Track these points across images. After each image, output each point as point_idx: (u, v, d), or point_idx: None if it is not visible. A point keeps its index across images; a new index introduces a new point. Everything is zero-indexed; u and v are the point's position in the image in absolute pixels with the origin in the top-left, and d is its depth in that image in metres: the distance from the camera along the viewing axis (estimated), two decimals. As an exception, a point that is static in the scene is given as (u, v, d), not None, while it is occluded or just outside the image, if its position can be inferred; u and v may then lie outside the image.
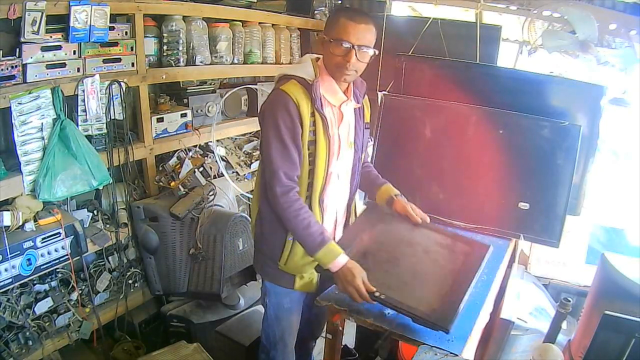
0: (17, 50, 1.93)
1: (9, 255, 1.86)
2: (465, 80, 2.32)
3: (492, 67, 2.62)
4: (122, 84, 2.30)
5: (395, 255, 1.69)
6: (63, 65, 2.09)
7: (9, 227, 1.90)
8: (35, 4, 1.87)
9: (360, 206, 2.53)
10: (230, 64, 2.92)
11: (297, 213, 1.60)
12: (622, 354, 1.24)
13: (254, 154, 3.17)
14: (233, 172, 3.03)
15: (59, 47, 2.06)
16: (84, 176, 2.11)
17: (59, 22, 2.05)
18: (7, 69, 1.89)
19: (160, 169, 2.59)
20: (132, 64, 2.37)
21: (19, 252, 1.90)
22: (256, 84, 3.18)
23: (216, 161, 2.81)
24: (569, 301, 1.55)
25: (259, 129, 1.74)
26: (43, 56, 2.01)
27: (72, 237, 2.10)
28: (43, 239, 1.99)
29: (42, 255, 2.00)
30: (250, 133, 3.28)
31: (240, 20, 2.95)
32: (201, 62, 2.71)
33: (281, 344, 1.92)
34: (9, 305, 2.02)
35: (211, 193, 2.56)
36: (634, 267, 1.48)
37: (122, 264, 2.50)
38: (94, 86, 2.19)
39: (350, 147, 1.79)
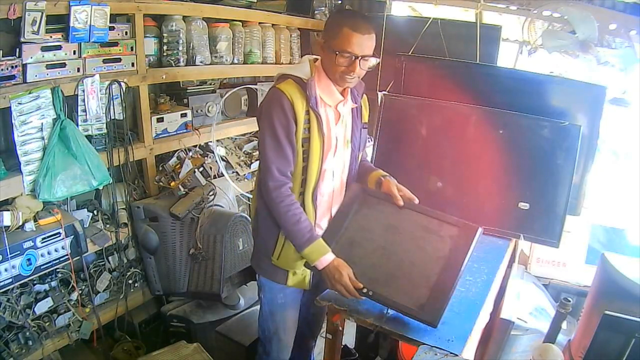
0: (17, 50, 1.93)
1: (9, 255, 1.86)
2: (465, 80, 2.32)
3: (492, 67, 2.62)
4: (122, 84, 2.30)
5: (381, 244, 1.66)
6: (63, 65, 2.09)
7: (9, 227, 1.90)
8: (35, 4, 1.87)
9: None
10: (230, 64, 2.92)
11: (288, 208, 1.64)
12: (622, 354, 1.24)
13: (254, 154, 3.17)
14: (233, 172, 3.03)
15: (59, 47, 2.06)
16: (84, 176, 2.11)
17: (59, 22, 2.05)
18: (7, 69, 1.89)
19: (160, 169, 2.59)
20: (132, 64, 2.37)
21: (19, 252, 1.90)
22: (256, 84, 3.18)
23: (216, 161, 2.80)
24: (569, 301, 1.55)
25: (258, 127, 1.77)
26: (43, 56, 2.01)
27: (72, 237, 2.10)
28: (43, 239, 1.99)
29: (42, 255, 2.00)
30: (250, 133, 3.28)
31: (240, 20, 2.95)
32: (201, 62, 2.71)
33: (276, 338, 1.95)
34: (9, 305, 2.02)
35: (211, 193, 2.56)
36: (634, 267, 1.48)
37: (122, 264, 2.50)
38: (94, 86, 2.19)
39: (346, 146, 1.81)
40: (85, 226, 2.21)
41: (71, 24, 2.04)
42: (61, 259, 2.08)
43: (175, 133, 2.67)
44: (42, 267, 2.02)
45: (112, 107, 2.30)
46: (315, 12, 3.54)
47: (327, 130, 1.70)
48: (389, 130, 2.37)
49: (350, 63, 1.61)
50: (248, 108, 3.20)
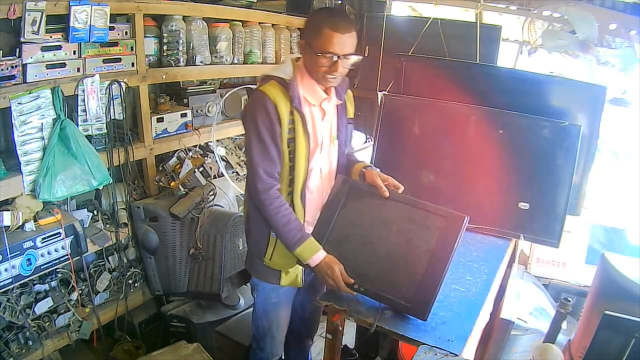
0: (17, 50, 1.93)
1: (9, 255, 1.87)
2: (465, 80, 2.32)
3: (492, 67, 2.62)
4: (122, 84, 2.30)
5: (370, 239, 1.67)
6: (63, 65, 2.09)
7: (9, 227, 1.90)
8: (35, 4, 1.87)
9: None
10: (230, 64, 2.92)
11: (278, 210, 1.67)
12: (622, 354, 1.24)
13: (254, 154, 3.17)
14: (233, 172, 3.03)
15: (59, 47, 2.06)
16: (84, 176, 2.11)
17: (59, 22, 2.05)
18: (7, 69, 1.89)
19: (160, 169, 2.59)
20: (132, 64, 2.37)
21: (19, 252, 1.91)
22: (256, 84, 3.18)
23: (216, 161, 2.80)
24: (569, 301, 1.55)
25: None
26: (43, 56, 2.01)
27: (72, 237, 2.10)
28: (43, 239, 1.99)
29: (42, 255, 2.00)
30: (250, 133, 3.27)
31: (240, 20, 2.95)
32: (201, 62, 2.71)
33: (269, 335, 1.97)
34: (9, 305, 2.02)
35: (211, 193, 2.56)
36: (634, 267, 1.48)
37: (122, 264, 2.50)
38: (94, 86, 2.19)
39: (333, 143, 1.82)
40: (85, 226, 2.22)
41: (71, 24, 2.04)
42: (61, 259, 2.08)
43: (175, 133, 2.67)
44: (42, 267, 2.02)
45: (112, 107, 2.31)
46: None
47: (312, 129, 1.71)
48: (389, 130, 2.37)
49: (332, 63, 1.61)
50: (248, 108, 3.20)
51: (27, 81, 1.97)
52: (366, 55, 3.49)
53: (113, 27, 2.25)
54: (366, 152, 3.12)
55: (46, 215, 2.04)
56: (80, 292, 2.30)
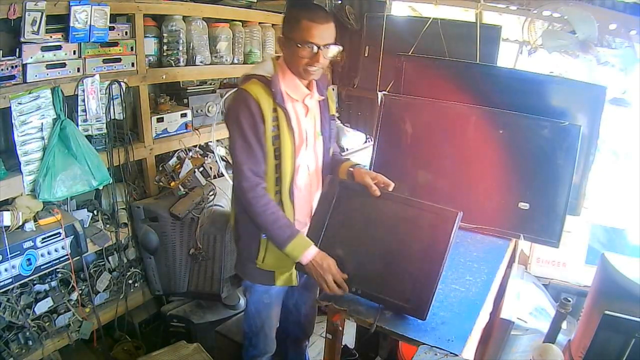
0: (17, 50, 1.93)
1: (9, 255, 1.87)
2: (465, 80, 2.32)
3: (492, 67, 2.61)
4: (122, 84, 2.30)
5: (363, 241, 1.65)
6: (63, 65, 2.09)
7: (9, 227, 1.90)
8: (35, 4, 1.87)
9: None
10: (230, 64, 2.92)
11: (265, 208, 1.64)
12: (622, 354, 1.24)
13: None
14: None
15: (59, 47, 2.07)
16: (84, 176, 2.11)
17: (59, 22, 2.05)
18: (7, 69, 1.89)
19: (160, 169, 2.59)
20: (132, 64, 2.37)
21: (19, 252, 1.91)
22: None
23: (216, 161, 2.80)
24: (569, 301, 1.54)
25: None
26: (43, 56, 2.01)
27: (72, 237, 2.10)
28: (43, 239, 1.99)
29: (42, 255, 2.00)
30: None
31: (240, 20, 2.95)
32: (201, 62, 2.71)
33: (262, 333, 1.98)
34: (9, 305, 2.02)
35: (211, 193, 2.56)
36: (634, 267, 1.48)
37: (122, 264, 2.50)
38: (94, 86, 2.19)
39: (318, 138, 1.82)
40: (85, 226, 2.22)
41: (71, 24, 2.04)
42: (61, 259, 2.08)
43: (175, 133, 2.67)
44: (42, 267, 2.02)
45: (112, 107, 2.31)
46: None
47: (296, 125, 1.71)
48: (389, 130, 2.36)
49: (313, 54, 1.60)
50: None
51: (27, 81, 1.97)
52: (366, 55, 3.49)
53: (113, 27, 2.25)
54: (366, 152, 3.12)
55: (46, 215, 2.04)
56: (80, 292, 2.30)
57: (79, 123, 2.20)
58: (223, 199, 2.74)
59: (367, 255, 1.64)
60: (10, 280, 1.90)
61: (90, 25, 2.10)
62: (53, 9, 1.96)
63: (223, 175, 2.82)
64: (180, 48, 2.60)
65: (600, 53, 2.59)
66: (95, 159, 2.15)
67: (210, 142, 2.85)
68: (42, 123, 2.00)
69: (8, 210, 1.91)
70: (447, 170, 2.26)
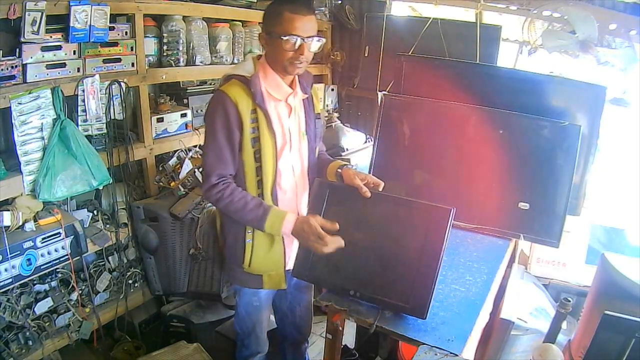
0: (17, 50, 1.93)
1: (9, 255, 1.87)
2: (465, 80, 2.32)
3: (492, 67, 2.62)
4: (122, 84, 2.30)
5: (358, 243, 1.63)
6: (63, 65, 2.09)
7: (9, 227, 1.90)
8: (35, 4, 1.87)
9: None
10: (230, 64, 2.92)
11: (231, 198, 1.62)
12: (622, 354, 1.24)
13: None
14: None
15: (59, 47, 2.07)
16: (84, 176, 2.11)
17: (59, 22, 2.05)
18: (7, 69, 1.89)
19: (160, 169, 2.59)
20: (132, 64, 2.37)
21: (19, 252, 1.91)
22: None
23: (216, 161, 2.80)
24: (569, 301, 1.54)
25: None
26: (43, 56, 2.01)
27: (72, 237, 2.10)
28: (43, 239, 1.99)
29: (42, 255, 2.00)
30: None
31: (240, 20, 2.95)
32: (201, 62, 2.71)
33: (253, 335, 1.98)
34: (9, 305, 2.02)
35: (211, 193, 2.55)
36: (634, 267, 1.48)
37: (122, 264, 2.50)
38: (94, 86, 2.19)
39: (302, 138, 1.78)
40: (85, 226, 2.22)
41: (71, 24, 2.04)
42: (61, 259, 2.08)
43: (175, 133, 2.67)
44: (42, 267, 2.02)
45: (112, 107, 2.31)
46: (316, 12, 3.53)
47: (279, 125, 1.68)
48: (389, 131, 2.37)
49: (297, 47, 1.57)
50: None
51: (27, 81, 1.97)
52: (366, 55, 3.49)
53: (113, 27, 2.25)
54: (366, 152, 3.12)
55: (46, 215, 2.04)
56: (80, 292, 2.30)
57: (79, 123, 2.20)
58: (223, 199, 2.74)
59: (363, 258, 1.62)
60: (10, 280, 1.90)
61: (90, 25, 2.09)
62: (53, 9, 1.96)
63: (223, 175, 2.82)
64: (180, 48, 2.60)
65: (600, 53, 2.59)
66: (95, 159, 2.15)
67: (210, 142, 2.85)
68: (42, 123, 2.00)
69: (8, 210, 1.91)
70: (447, 170, 2.26)
